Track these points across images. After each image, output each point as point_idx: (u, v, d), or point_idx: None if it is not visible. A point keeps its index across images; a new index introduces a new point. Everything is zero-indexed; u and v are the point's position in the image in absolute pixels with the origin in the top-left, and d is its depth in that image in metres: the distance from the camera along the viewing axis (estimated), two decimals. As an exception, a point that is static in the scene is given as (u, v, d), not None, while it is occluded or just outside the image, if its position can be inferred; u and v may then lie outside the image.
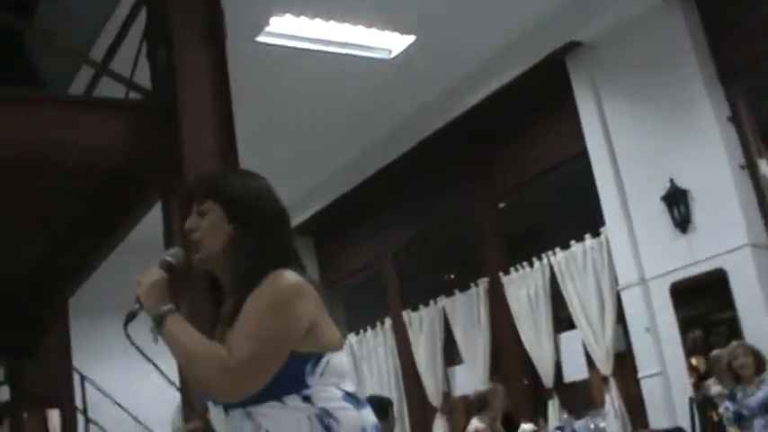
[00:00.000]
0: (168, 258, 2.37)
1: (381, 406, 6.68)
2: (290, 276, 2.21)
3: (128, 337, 2.33)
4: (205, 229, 2.32)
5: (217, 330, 2.34)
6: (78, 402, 9.43)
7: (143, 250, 7.55)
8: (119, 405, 10.75)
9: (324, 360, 2.18)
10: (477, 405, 7.53)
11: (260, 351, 2.11)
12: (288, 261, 2.28)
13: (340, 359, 2.24)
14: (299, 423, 2.13)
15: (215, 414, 2.27)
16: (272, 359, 2.12)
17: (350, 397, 2.21)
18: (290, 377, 2.14)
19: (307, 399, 2.14)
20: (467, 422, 7.66)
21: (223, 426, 2.24)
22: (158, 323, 2.22)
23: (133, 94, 5.77)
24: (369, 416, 2.23)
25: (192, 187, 2.46)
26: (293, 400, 2.14)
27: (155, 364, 2.35)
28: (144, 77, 5.63)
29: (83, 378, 10.39)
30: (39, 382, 8.60)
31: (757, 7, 7.54)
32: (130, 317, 2.30)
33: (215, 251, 2.32)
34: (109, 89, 6.18)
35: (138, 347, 2.32)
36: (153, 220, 6.06)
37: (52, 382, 8.23)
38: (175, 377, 3.39)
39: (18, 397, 9.15)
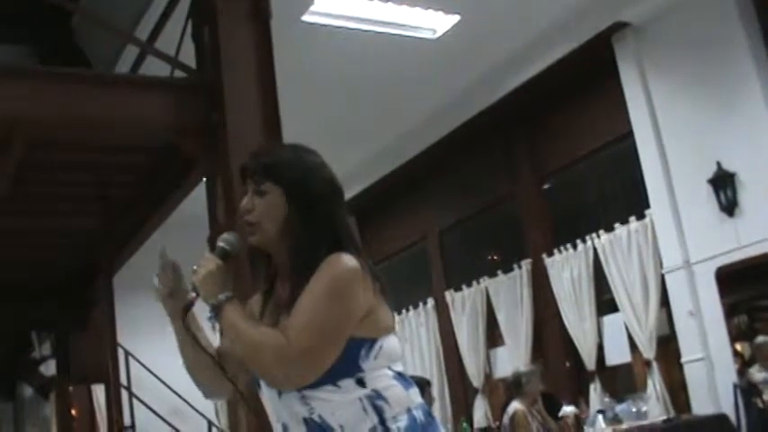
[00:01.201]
0: (222, 244, 2.32)
1: (419, 385, 6.71)
2: (347, 261, 2.17)
3: (187, 327, 2.30)
4: (263, 211, 2.28)
5: (270, 311, 2.33)
6: (123, 378, 9.56)
7: (186, 228, 7.66)
8: (162, 381, 10.88)
9: (377, 345, 2.19)
10: (513, 386, 7.54)
11: (321, 340, 2.09)
12: (344, 242, 2.25)
13: (392, 342, 2.25)
14: (352, 406, 2.14)
15: (268, 395, 2.27)
16: (333, 348, 2.11)
17: (399, 377, 2.23)
18: (346, 361, 2.13)
19: (360, 381, 2.15)
20: (506, 403, 7.66)
21: (276, 407, 2.25)
22: (216, 311, 2.19)
23: (178, 74, 5.80)
24: (416, 396, 2.26)
25: (250, 164, 2.36)
26: (347, 384, 2.14)
27: (210, 355, 2.34)
28: (188, 57, 5.66)
29: (127, 354, 10.54)
30: (85, 356, 8.73)
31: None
32: (188, 306, 2.28)
33: (273, 234, 2.28)
34: (153, 68, 6.23)
35: (195, 337, 2.31)
36: (195, 197, 6.12)
37: (98, 357, 8.34)
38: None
39: (64, 371, 9.29)
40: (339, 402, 2.14)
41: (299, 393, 2.15)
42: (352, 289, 2.15)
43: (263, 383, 2.27)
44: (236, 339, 2.17)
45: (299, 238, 2.24)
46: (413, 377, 6.18)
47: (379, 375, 2.18)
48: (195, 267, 2.27)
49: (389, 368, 2.22)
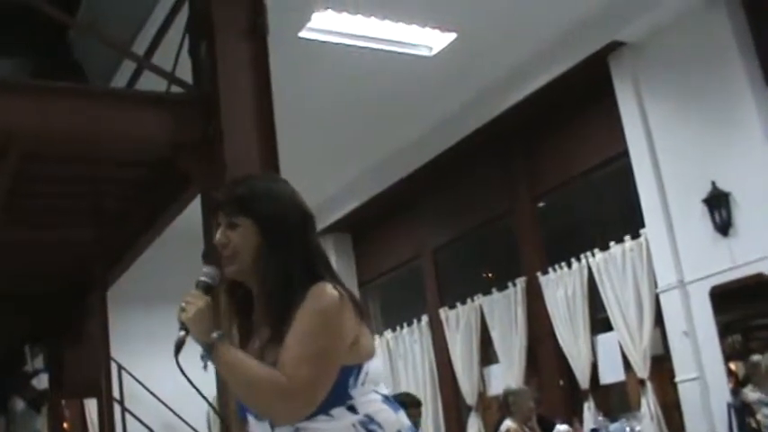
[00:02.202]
0: (204, 279, 2.35)
1: (404, 404, 6.72)
2: (331, 292, 2.20)
3: (179, 367, 2.29)
4: (237, 243, 2.32)
5: (252, 342, 2.35)
6: (116, 392, 9.53)
7: (179, 243, 7.66)
8: (155, 396, 10.85)
9: (363, 370, 2.23)
10: (505, 405, 7.53)
11: (317, 373, 2.13)
12: (320, 270, 2.28)
13: (376, 365, 2.29)
14: (348, 430, 2.17)
15: (256, 429, 2.29)
16: (328, 378, 2.15)
17: (387, 400, 2.27)
18: (336, 390, 2.17)
19: (351, 408, 2.19)
20: (499, 422, 7.65)
21: None
22: (210, 350, 2.19)
23: (174, 89, 5.81)
24: (404, 418, 2.30)
25: (222, 198, 2.40)
26: (339, 412, 2.17)
27: (201, 394, 2.38)
28: (185, 72, 5.66)
29: (120, 368, 10.51)
30: (77, 370, 8.69)
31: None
32: (179, 345, 2.26)
33: (248, 265, 2.32)
34: (150, 83, 6.23)
35: (186, 377, 2.30)
36: (189, 213, 6.11)
37: (91, 370, 8.31)
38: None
39: (57, 385, 9.25)
40: (333, 430, 2.17)
41: (292, 428, 2.18)
42: (339, 319, 2.18)
43: (250, 417, 2.29)
44: (234, 378, 2.18)
45: (272, 269, 2.26)
46: (398, 396, 6.20)
47: (369, 400, 2.22)
48: (183, 305, 2.26)
49: (376, 392, 2.25)
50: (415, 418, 6.47)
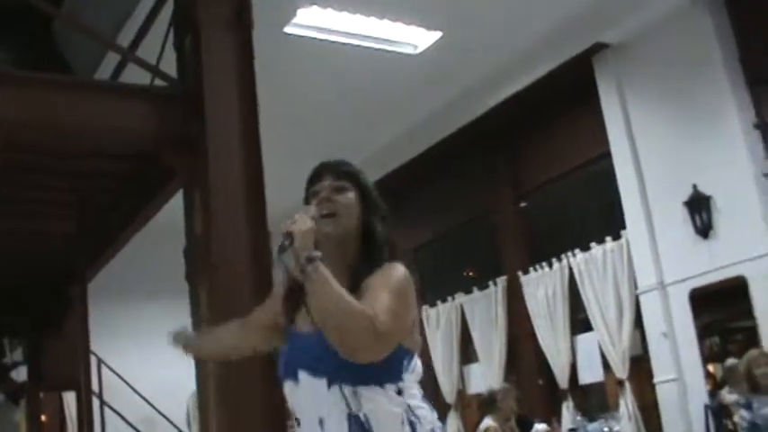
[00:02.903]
0: (313, 213, 2.35)
1: None
2: (407, 272, 2.35)
3: (282, 262, 2.25)
4: (343, 205, 2.40)
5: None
6: (95, 385, 9.49)
7: (161, 237, 7.64)
8: (133, 389, 10.81)
9: (414, 360, 2.32)
10: (486, 404, 7.55)
11: (396, 325, 2.18)
12: (397, 254, 2.45)
13: (419, 364, 2.36)
14: (393, 414, 2.23)
15: (308, 386, 2.28)
16: (398, 336, 2.21)
17: (425, 399, 2.35)
18: (394, 366, 2.24)
19: (399, 391, 2.25)
20: (479, 420, 7.67)
21: (318, 399, 2.25)
22: (308, 265, 2.16)
23: (159, 82, 5.79)
24: (436, 419, 2.36)
25: (333, 164, 2.53)
26: (391, 389, 2.23)
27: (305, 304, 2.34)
28: (169, 65, 5.65)
29: (99, 361, 10.46)
30: (56, 363, 8.66)
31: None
32: (282, 249, 2.22)
33: (348, 227, 2.39)
34: (134, 76, 6.21)
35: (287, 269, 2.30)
36: (171, 206, 6.10)
37: (70, 364, 8.27)
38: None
39: (35, 378, 9.22)
40: (384, 407, 2.22)
41: (352, 388, 2.21)
42: (412, 295, 2.32)
43: (302, 374, 2.29)
44: (327, 299, 2.15)
45: (376, 239, 2.40)
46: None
47: (413, 393, 2.29)
48: (295, 217, 2.26)
49: (418, 388, 2.33)
50: None
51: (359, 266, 2.34)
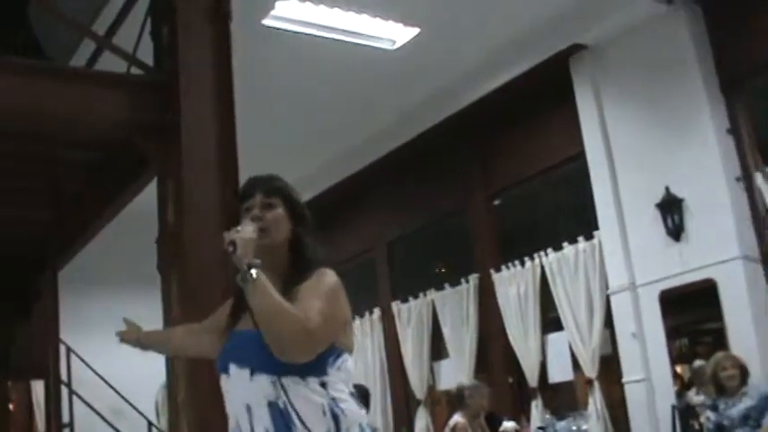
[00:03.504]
0: (252, 229, 2.53)
1: (364, 394, 6.78)
2: (336, 275, 2.56)
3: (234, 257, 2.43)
4: (271, 221, 2.62)
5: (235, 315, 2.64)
6: (63, 374, 9.43)
7: (133, 225, 7.60)
8: (102, 379, 10.76)
9: (342, 357, 2.50)
10: (456, 399, 7.57)
11: (326, 325, 2.39)
12: (325, 260, 2.66)
13: (351, 364, 2.56)
14: (315, 403, 2.40)
15: (236, 377, 2.50)
16: (329, 337, 2.43)
17: (352, 396, 2.52)
18: (318, 361, 2.42)
19: (323, 384, 2.43)
20: (449, 416, 7.68)
21: (244, 388, 2.46)
22: (247, 272, 2.36)
23: (135, 71, 5.76)
24: (365, 415, 2.54)
25: (262, 180, 2.74)
26: (313, 382, 2.42)
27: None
28: (146, 54, 5.62)
29: (69, 350, 10.40)
30: (25, 352, 8.60)
31: (763, 18, 7.55)
32: (231, 252, 2.42)
33: (278, 240, 2.62)
34: (110, 64, 6.18)
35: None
36: (144, 195, 6.07)
37: (39, 352, 8.22)
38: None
39: (3, 366, 9.14)
40: (305, 396, 2.40)
41: (273, 377, 2.40)
42: (342, 297, 2.54)
43: (232, 366, 2.51)
44: (265, 303, 2.35)
45: (304, 248, 2.65)
46: (359, 385, 6.29)
47: (339, 388, 2.46)
48: (238, 228, 2.47)
49: (346, 385, 2.50)
50: None
51: (290, 274, 2.58)
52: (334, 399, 2.42)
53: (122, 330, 3.11)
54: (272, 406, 2.40)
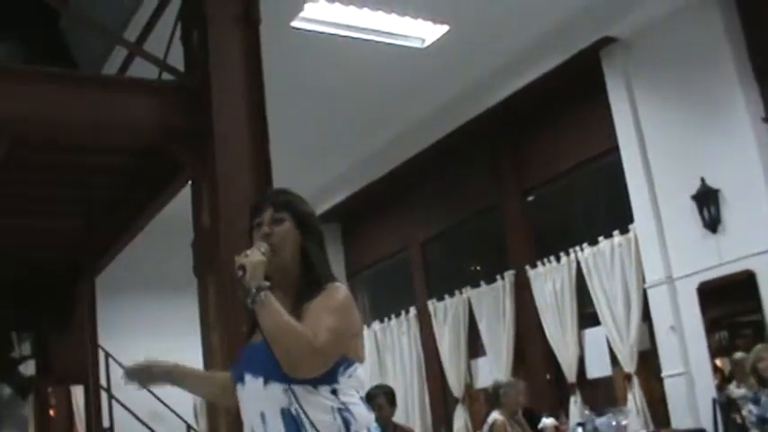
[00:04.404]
0: (263, 250, 2.58)
1: (394, 394, 6.78)
2: (347, 289, 2.61)
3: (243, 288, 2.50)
4: (280, 236, 2.64)
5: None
6: (102, 379, 9.51)
7: (168, 231, 7.64)
8: (142, 384, 10.82)
9: (353, 367, 2.55)
10: (492, 397, 7.54)
11: (335, 341, 2.45)
12: (332, 275, 2.68)
13: (362, 371, 2.61)
14: (327, 410, 2.47)
15: (250, 386, 2.56)
16: (338, 351, 2.48)
17: (363, 401, 2.60)
18: (329, 372, 2.47)
19: (334, 392, 2.49)
20: (487, 414, 7.66)
21: (258, 396, 2.53)
22: (257, 295, 2.43)
23: (166, 76, 5.79)
24: (373, 419, 2.60)
25: (270, 196, 2.82)
26: (324, 390, 2.48)
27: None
28: (177, 60, 5.65)
29: (107, 355, 10.48)
30: (65, 357, 8.68)
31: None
32: (239, 279, 2.49)
33: (287, 255, 2.64)
34: (141, 71, 6.21)
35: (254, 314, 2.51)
36: (178, 200, 6.10)
37: (78, 358, 8.30)
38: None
39: (44, 372, 9.23)
40: (316, 403, 2.47)
41: (284, 385, 2.46)
42: (353, 311, 2.58)
43: (247, 376, 2.57)
44: (274, 323, 2.42)
45: (312, 262, 2.66)
46: (385, 386, 6.34)
47: (349, 394, 2.53)
48: (246, 252, 2.52)
49: (357, 391, 2.57)
50: (381, 409, 6.47)
51: (302, 289, 2.61)
52: (344, 403, 2.49)
53: (132, 366, 2.89)
54: (285, 413, 2.47)
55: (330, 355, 2.45)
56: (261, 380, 2.52)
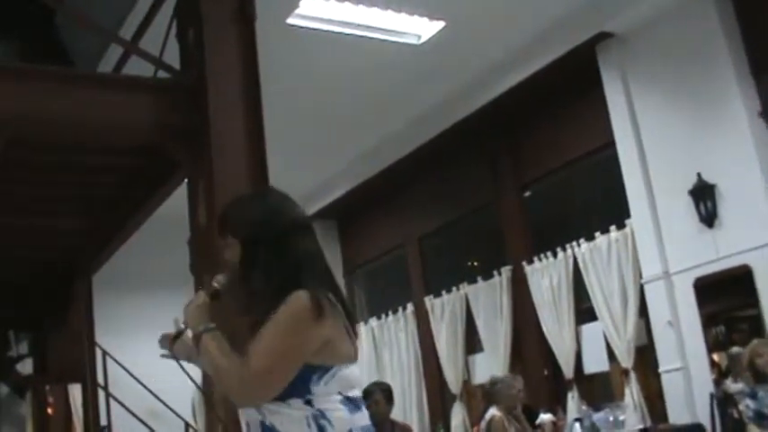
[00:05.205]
0: (215, 284, 2.61)
1: (391, 391, 6.78)
2: (305, 300, 2.42)
3: (173, 357, 2.65)
4: (229, 259, 2.62)
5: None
6: (100, 378, 9.51)
7: (165, 229, 7.64)
8: (139, 382, 10.83)
9: (331, 372, 2.47)
10: (489, 393, 7.54)
11: (275, 365, 2.40)
12: (304, 277, 2.50)
13: (349, 371, 2.53)
14: (298, 420, 2.43)
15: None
16: (285, 373, 2.41)
17: (348, 402, 2.50)
18: (297, 385, 2.43)
19: (308, 402, 2.44)
20: (484, 410, 7.66)
21: (240, 410, 2.55)
22: (197, 340, 2.50)
23: (162, 74, 5.79)
24: (360, 420, 2.52)
25: (219, 218, 2.75)
26: (297, 403, 2.43)
27: (192, 379, 2.74)
28: (173, 57, 5.64)
29: (104, 354, 10.48)
30: (62, 356, 8.68)
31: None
32: (177, 335, 2.59)
33: (238, 278, 2.61)
34: (137, 68, 6.21)
35: (179, 363, 2.65)
36: (175, 198, 6.10)
37: (75, 356, 8.29)
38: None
39: (41, 370, 9.23)
40: (287, 415, 2.43)
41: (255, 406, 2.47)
42: (305, 324, 2.41)
43: None
44: (208, 363, 2.49)
45: (258, 279, 2.55)
46: (382, 383, 6.29)
47: (328, 399, 2.46)
48: (187, 303, 2.56)
49: (340, 393, 2.48)
50: (378, 405, 6.47)
51: (268, 300, 2.49)
52: (320, 410, 2.44)
53: (166, 334, 2.72)
54: (264, 425, 2.47)
55: (271, 379, 2.40)
56: None
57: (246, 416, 2.51)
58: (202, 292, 2.58)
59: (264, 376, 2.39)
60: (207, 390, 4.64)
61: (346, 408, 2.48)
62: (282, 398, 2.42)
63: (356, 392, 2.54)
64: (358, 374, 2.58)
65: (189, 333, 2.57)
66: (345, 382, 2.50)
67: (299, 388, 2.42)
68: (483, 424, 7.41)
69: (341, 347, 2.51)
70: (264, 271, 2.54)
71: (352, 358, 2.55)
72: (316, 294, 2.44)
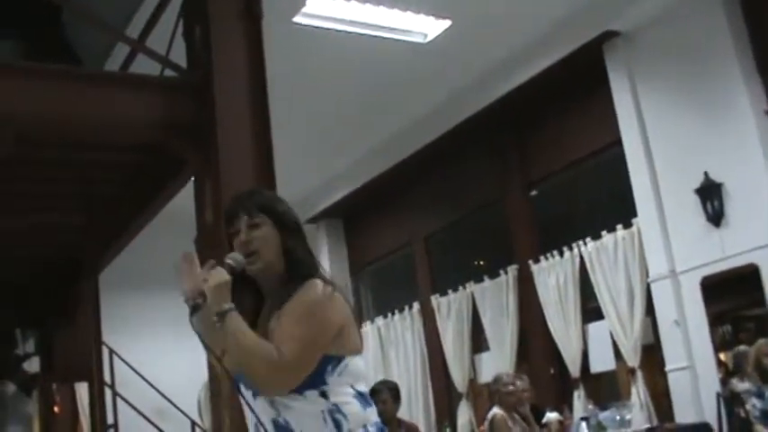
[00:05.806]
0: (230, 262, 2.54)
1: (398, 390, 6.78)
2: (322, 287, 2.50)
3: (193, 326, 2.49)
4: (261, 240, 2.58)
5: (258, 327, 2.56)
6: (107, 376, 9.53)
7: (171, 227, 7.64)
8: (146, 380, 10.85)
9: (344, 363, 2.49)
10: (490, 392, 7.55)
11: (304, 353, 2.40)
12: (317, 268, 2.61)
13: (358, 363, 2.55)
14: (314, 415, 2.44)
15: (246, 395, 2.54)
16: (312, 361, 2.42)
17: (360, 396, 2.52)
18: (313, 375, 2.44)
19: (323, 394, 2.45)
20: (489, 409, 7.66)
21: (251, 406, 2.53)
22: (220, 319, 2.41)
23: (168, 73, 5.80)
24: (373, 415, 2.55)
25: (243, 201, 2.68)
26: (312, 395, 2.44)
27: (214, 354, 2.53)
28: (179, 56, 5.65)
29: (111, 352, 10.50)
30: (69, 354, 8.69)
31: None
32: (195, 309, 2.47)
33: (271, 258, 2.59)
34: (144, 67, 6.22)
35: (201, 337, 2.50)
36: (181, 196, 6.11)
37: (82, 355, 8.31)
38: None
39: (48, 369, 9.25)
40: (302, 410, 2.44)
41: (269, 398, 2.48)
42: (326, 311, 2.47)
43: (241, 387, 2.55)
44: (236, 345, 2.41)
45: (298, 261, 2.59)
46: (390, 382, 6.26)
47: (342, 392, 2.48)
48: (206, 276, 2.47)
49: (352, 386, 2.51)
50: (385, 404, 6.48)
51: (289, 286, 2.54)
52: (335, 404, 2.45)
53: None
54: (276, 423, 2.48)
55: (300, 366, 2.40)
56: (251, 392, 2.53)
57: (259, 413, 2.49)
58: (221, 268, 2.49)
59: (297, 363, 2.39)
60: (213, 375, 4.66)
61: (359, 402, 2.50)
62: (299, 390, 2.42)
63: (365, 387, 2.56)
64: (364, 367, 2.59)
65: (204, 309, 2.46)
66: (356, 374, 2.51)
67: (314, 379, 2.43)
68: (486, 423, 7.41)
69: (352, 337, 2.54)
70: (306, 254, 2.63)
71: (360, 349, 2.57)
72: (330, 282, 2.53)
